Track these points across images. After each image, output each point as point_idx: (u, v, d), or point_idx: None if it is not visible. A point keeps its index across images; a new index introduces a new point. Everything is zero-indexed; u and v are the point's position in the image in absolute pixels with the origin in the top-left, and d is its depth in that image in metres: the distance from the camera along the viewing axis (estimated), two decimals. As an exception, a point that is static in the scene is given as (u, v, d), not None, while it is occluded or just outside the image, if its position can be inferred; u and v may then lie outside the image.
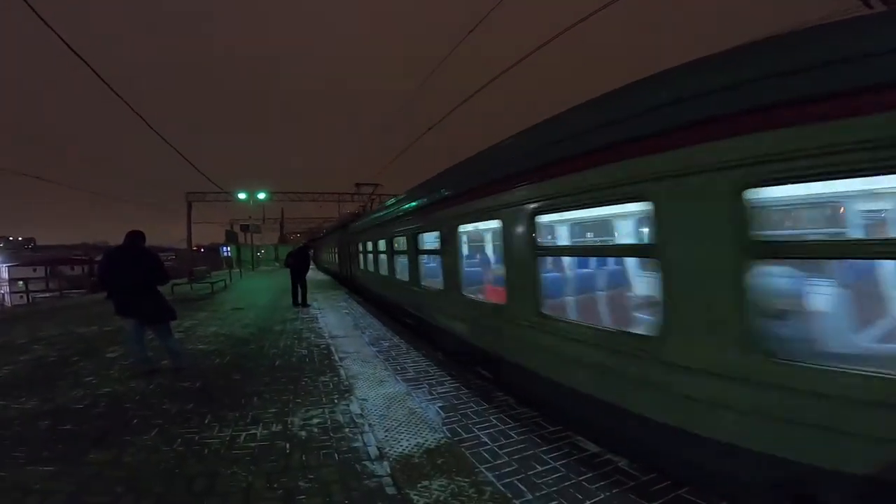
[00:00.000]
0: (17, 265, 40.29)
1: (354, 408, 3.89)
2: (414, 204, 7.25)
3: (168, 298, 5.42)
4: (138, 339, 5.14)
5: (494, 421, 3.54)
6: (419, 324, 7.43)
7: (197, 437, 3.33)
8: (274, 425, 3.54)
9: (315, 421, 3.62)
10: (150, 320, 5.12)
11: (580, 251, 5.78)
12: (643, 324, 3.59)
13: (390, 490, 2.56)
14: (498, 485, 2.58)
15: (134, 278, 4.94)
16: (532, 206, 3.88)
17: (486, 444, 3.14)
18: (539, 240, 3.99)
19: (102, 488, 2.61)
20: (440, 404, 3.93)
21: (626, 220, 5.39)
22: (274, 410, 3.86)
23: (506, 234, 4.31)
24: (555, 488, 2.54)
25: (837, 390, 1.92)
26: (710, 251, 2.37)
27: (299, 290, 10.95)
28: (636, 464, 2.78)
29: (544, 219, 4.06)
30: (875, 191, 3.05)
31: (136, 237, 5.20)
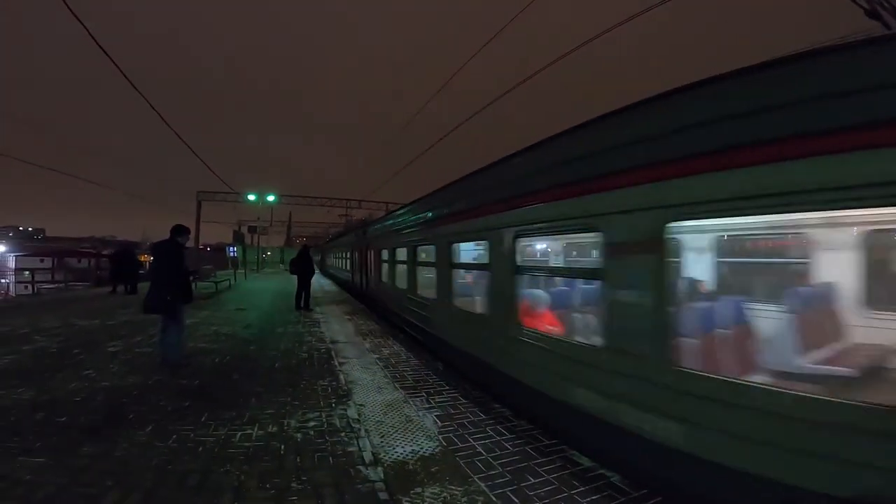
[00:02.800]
0: (24, 255, 40.72)
1: (352, 412, 3.88)
2: None
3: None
4: (162, 330, 5.28)
5: (490, 432, 3.51)
6: None
7: (192, 435, 3.33)
8: (270, 426, 3.53)
9: (311, 424, 3.61)
10: (153, 308, 5.16)
11: None
12: None
13: (383, 496, 2.55)
14: (490, 495, 2.56)
15: (158, 270, 5.22)
16: None
17: (480, 454, 3.11)
18: None
19: (92, 481, 2.61)
20: (437, 413, 3.91)
21: None
22: (271, 411, 3.86)
23: None
24: (546, 501, 2.52)
25: None
26: None
27: (303, 294, 10.97)
28: (628, 479, 2.74)
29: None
30: None
31: (173, 231, 5.38)
